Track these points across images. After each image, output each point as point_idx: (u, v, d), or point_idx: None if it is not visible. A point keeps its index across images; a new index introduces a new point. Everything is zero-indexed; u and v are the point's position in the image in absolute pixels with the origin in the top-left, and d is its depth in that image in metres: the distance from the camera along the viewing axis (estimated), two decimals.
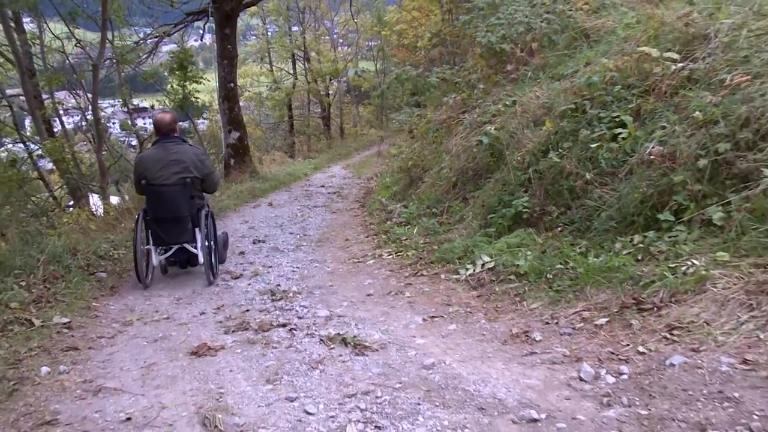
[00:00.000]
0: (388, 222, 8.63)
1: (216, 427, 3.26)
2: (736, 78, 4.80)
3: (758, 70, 4.79)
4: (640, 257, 4.62)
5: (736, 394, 3.03)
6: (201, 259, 6.37)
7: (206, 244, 6.36)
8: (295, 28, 32.06)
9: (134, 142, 23.06)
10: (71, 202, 15.63)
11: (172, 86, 18.94)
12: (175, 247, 6.47)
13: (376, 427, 3.15)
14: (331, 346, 4.33)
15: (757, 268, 3.81)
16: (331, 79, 32.78)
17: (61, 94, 17.21)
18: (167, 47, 19.74)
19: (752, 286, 3.68)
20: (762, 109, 4.48)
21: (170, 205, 6.26)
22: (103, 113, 13.59)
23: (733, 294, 3.71)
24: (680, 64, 5.39)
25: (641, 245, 4.70)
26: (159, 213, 6.29)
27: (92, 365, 4.25)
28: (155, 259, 6.45)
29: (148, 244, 6.39)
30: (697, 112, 4.81)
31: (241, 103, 17.84)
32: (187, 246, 6.44)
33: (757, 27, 5.15)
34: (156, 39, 17.91)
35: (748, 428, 2.79)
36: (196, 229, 6.42)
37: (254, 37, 35.34)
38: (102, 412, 3.53)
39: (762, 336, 3.40)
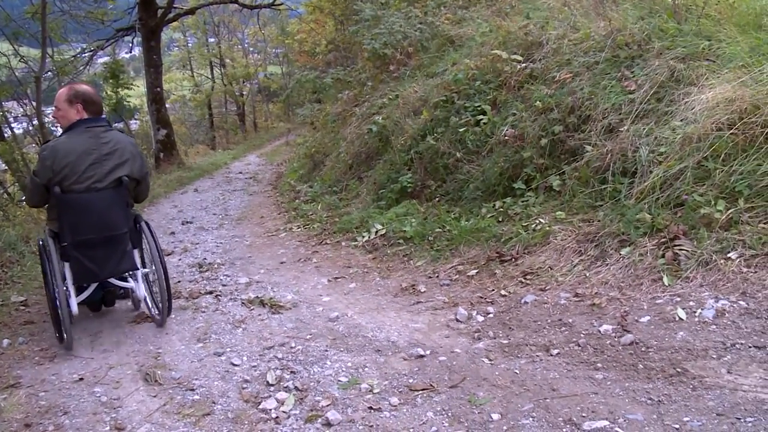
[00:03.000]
0: (297, 200, 8.53)
1: (156, 381, 3.18)
2: (563, 75, 5.02)
3: (577, 69, 5.01)
4: (500, 219, 4.78)
5: (570, 320, 3.23)
6: (140, 293, 3.98)
7: (146, 270, 4.08)
8: (211, 40, 31.18)
9: None
10: (23, 197, 14.96)
11: (107, 92, 18.33)
12: (94, 285, 3.94)
13: (291, 372, 3.15)
14: (251, 308, 4.28)
15: (585, 222, 4.04)
16: (244, 82, 31.99)
17: (9, 104, 16.43)
18: (101, 59, 19.17)
19: (581, 237, 3.90)
20: (582, 100, 4.71)
21: (103, 220, 3.71)
22: (47, 119, 12.93)
23: (569, 244, 3.92)
24: (523, 64, 5.57)
25: (501, 209, 4.87)
26: (86, 233, 3.64)
27: (47, 336, 4.03)
28: (74, 305, 3.69)
29: (67, 283, 3.67)
30: (538, 102, 5.00)
31: (167, 105, 17.41)
32: (114, 281, 3.94)
33: (575, 37, 5.38)
34: (91, 52, 17.26)
35: (578, 344, 3.00)
36: (135, 251, 3.98)
37: (177, 48, 34.01)
38: (58, 374, 3.39)
39: (588, 274, 3.63)
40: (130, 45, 18.95)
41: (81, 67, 17.50)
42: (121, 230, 3.80)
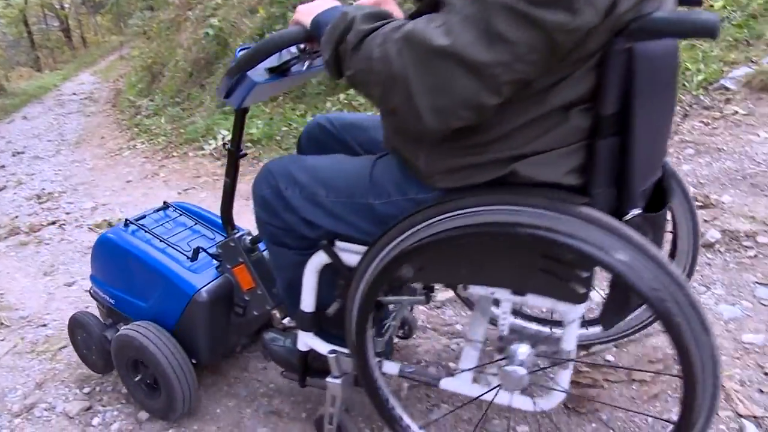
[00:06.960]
0: (138, 116, 8.02)
1: (2, 324, 2.99)
2: None
3: None
4: (345, 110, 4.79)
5: None
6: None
7: None
8: None
9: None
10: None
11: None
12: None
13: None
14: (100, 232, 4.08)
15: None
16: None
17: None
18: None
19: None
20: None
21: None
22: None
23: None
24: None
25: (345, 101, 4.89)
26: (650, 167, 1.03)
27: None
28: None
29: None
30: None
31: None
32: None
33: None
34: None
35: None
36: None
37: None
38: None
39: None
40: None
41: None
42: None
